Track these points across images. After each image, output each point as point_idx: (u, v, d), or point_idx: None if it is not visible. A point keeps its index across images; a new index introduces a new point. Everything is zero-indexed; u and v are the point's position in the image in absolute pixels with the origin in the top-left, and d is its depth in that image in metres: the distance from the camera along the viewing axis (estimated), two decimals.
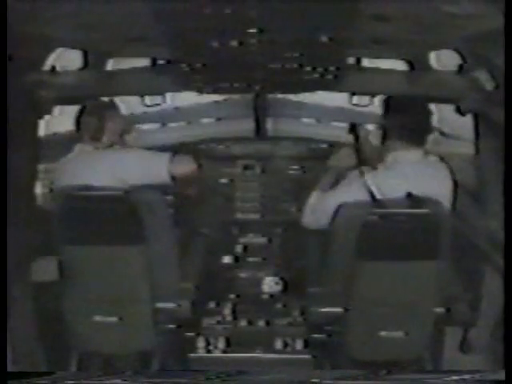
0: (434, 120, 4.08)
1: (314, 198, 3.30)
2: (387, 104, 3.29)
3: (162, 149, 3.81)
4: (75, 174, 3.16)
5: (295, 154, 4.30)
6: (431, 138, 4.08)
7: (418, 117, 3.18)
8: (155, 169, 3.27)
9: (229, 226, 4.33)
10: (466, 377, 2.67)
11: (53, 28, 2.65)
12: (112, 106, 3.47)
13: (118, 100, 3.60)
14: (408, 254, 2.99)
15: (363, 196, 3.03)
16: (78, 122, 3.40)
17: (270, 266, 4.19)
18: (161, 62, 3.38)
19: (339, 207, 3.00)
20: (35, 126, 3.37)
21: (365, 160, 3.32)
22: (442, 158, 3.25)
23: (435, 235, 2.97)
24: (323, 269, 3.24)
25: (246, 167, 4.31)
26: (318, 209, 3.21)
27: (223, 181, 4.28)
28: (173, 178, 3.30)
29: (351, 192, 3.08)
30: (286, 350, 3.53)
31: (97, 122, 3.29)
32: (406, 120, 3.14)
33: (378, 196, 3.01)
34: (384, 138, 3.17)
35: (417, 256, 3.01)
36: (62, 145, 3.61)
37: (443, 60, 3.29)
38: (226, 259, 4.17)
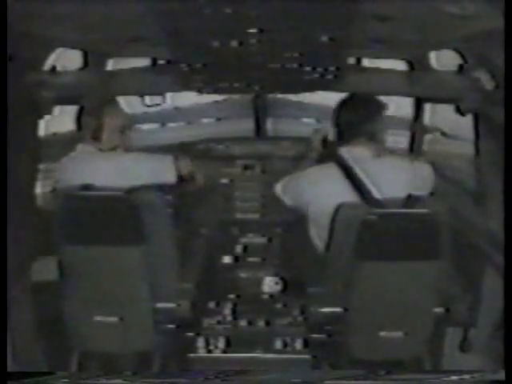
0: (433, 119, 4.09)
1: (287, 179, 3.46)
2: (343, 100, 3.34)
3: (162, 149, 3.82)
4: (77, 174, 3.17)
5: (295, 154, 4.30)
6: (429, 137, 4.10)
7: (370, 112, 3.22)
8: (164, 170, 3.31)
9: (229, 225, 4.33)
10: (466, 377, 2.66)
11: (53, 28, 2.65)
12: (111, 101, 3.47)
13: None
14: (407, 254, 2.99)
15: (335, 175, 3.12)
16: (79, 121, 3.40)
17: (270, 266, 4.19)
18: (161, 62, 3.38)
19: (338, 207, 3.00)
20: (35, 126, 3.37)
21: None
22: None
23: (435, 235, 2.97)
24: (323, 269, 3.24)
25: (246, 167, 4.32)
26: (290, 186, 3.37)
27: (223, 181, 4.28)
28: (179, 177, 3.34)
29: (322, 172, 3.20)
30: (286, 349, 3.53)
31: (96, 121, 3.29)
32: (358, 115, 3.19)
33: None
34: (338, 133, 3.25)
35: (416, 256, 3.01)
36: (62, 145, 3.61)
37: (443, 60, 3.29)
38: (226, 259, 4.17)
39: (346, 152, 3.18)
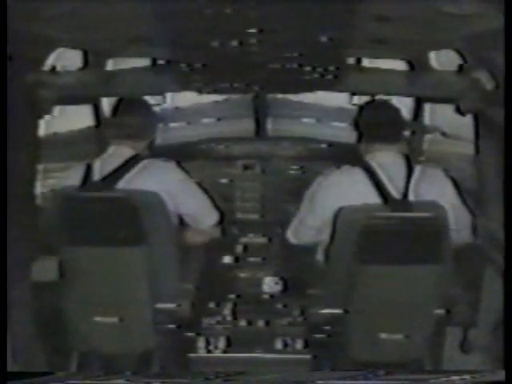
0: (433, 119, 4.09)
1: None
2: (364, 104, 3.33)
3: (162, 149, 3.81)
4: None
5: (295, 154, 4.30)
6: (429, 137, 4.10)
7: (389, 114, 3.20)
8: None
9: (229, 226, 4.32)
10: (466, 377, 2.66)
11: (53, 28, 2.66)
12: None
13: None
14: (409, 258, 2.98)
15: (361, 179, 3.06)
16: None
17: (270, 266, 4.19)
18: (161, 62, 3.38)
19: (339, 210, 2.99)
20: (35, 126, 3.37)
21: None
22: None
23: (436, 239, 2.96)
24: (323, 270, 3.23)
25: (245, 167, 4.31)
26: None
27: (223, 181, 4.28)
28: None
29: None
30: (286, 349, 3.53)
31: None
32: (379, 118, 3.17)
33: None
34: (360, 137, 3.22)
35: (418, 260, 2.99)
36: (62, 145, 3.61)
37: (443, 60, 3.29)
38: (226, 259, 4.16)
39: (372, 157, 3.14)
